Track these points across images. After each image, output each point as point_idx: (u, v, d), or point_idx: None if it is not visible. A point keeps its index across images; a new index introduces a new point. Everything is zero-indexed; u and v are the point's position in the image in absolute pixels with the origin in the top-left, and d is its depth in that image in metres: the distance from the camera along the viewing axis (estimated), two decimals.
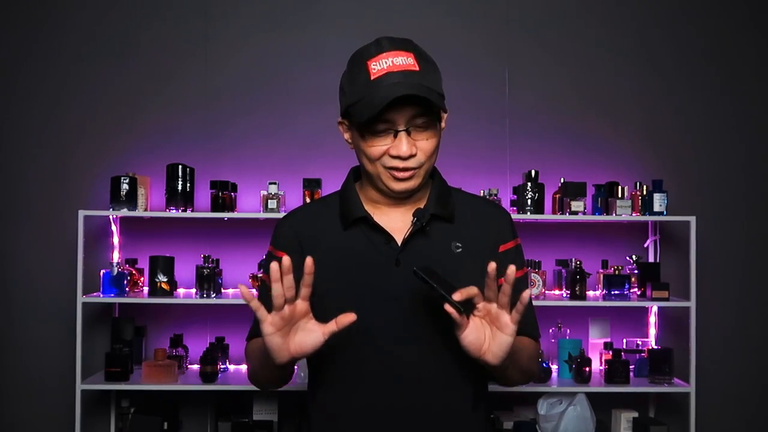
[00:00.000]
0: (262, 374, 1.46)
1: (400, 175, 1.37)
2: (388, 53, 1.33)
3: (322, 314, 1.27)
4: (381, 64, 1.33)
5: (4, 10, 3.21)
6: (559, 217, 3.02)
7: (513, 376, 1.42)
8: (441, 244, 1.42)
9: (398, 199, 1.43)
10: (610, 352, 3.00)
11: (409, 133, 1.35)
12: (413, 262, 1.37)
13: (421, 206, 1.44)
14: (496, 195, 3.03)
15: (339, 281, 1.39)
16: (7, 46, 3.21)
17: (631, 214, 3.02)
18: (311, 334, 1.25)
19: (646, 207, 3.02)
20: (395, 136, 1.35)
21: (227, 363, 3.07)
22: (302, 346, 1.25)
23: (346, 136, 1.44)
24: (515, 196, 3.09)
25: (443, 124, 1.44)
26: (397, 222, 1.43)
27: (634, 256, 3.13)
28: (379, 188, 1.42)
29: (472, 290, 1.23)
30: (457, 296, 1.21)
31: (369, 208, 1.44)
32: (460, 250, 1.42)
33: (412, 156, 1.36)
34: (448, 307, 1.21)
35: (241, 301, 3.10)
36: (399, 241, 1.41)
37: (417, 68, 1.33)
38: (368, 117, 1.31)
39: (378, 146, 1.36)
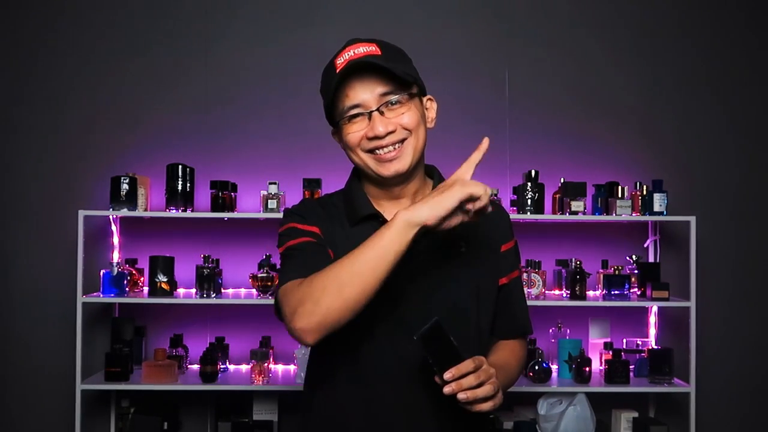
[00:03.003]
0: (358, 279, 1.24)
1: (385, 155, 1.38)
2: (351, 47, 1.38)
3: None
4: (343, 57, 1.37)
5: (6, 11, 3.21)
6: (559, 217, 3.02)
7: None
8: (445, 243, 1.43)
9: (395, 185, 1.42)
10: (610, 352, 3.00)
11: (382, 114, 1.37)
12: (418, 259, 1.37)
13: None
14: (496, 195, 3.02)
15: None
16: (8, 47, 3.21)
17: (631, 214, 3.02)
18: None
19: (646, 207, 3.02)
20: (370, 120, 1.37)
21: (227, 363, 3.07)
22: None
23: (341, 144, 1.46)
24: (515, 196, 3.09)
25: (433, 114, 1.46)
26: None
27: (634, 256, 3.13)
28: (374, 179, 1.43)
29: (468, 367, 1.23)
30: (448, 375, 1.22)
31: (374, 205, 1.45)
32: (464, 249, 1.43)
33: (389, 133, 1.37)
34: (437, 379, 1.23)
35: (241, 301, 3.10)
36: None
37: (379, 53, 1.37)
38: (332, 93, 1.35)
39: (354, 132, 1.39)
